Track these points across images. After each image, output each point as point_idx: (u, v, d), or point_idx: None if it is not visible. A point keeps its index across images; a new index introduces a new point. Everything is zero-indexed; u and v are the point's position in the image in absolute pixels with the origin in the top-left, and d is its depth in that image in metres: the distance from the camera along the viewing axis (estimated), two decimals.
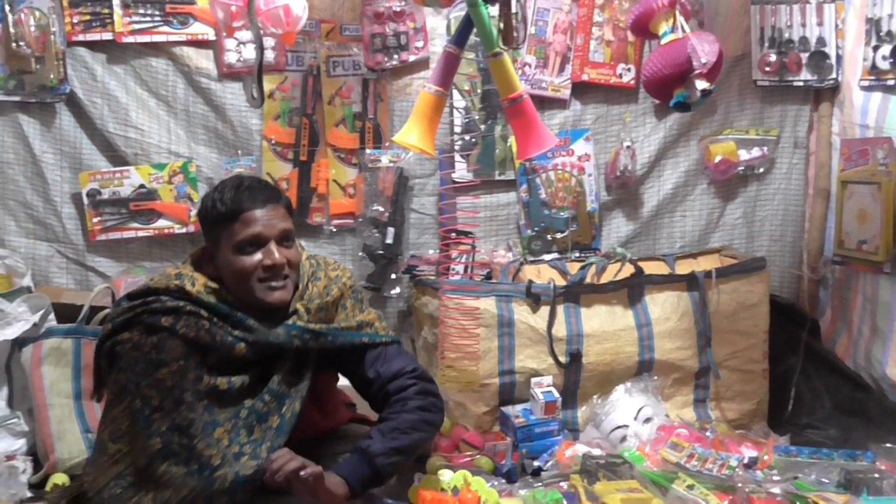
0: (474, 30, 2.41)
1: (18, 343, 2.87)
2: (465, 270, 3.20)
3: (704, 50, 2.55)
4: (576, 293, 3.03)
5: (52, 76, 3.08)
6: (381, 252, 3.30)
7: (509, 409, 2.93)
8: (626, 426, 2.83)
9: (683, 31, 2.64)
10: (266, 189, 2.06)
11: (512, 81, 2.39)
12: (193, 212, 3.21)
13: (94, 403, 2.73)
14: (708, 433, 2.83)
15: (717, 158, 3.34)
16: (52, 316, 2.93)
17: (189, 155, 3.27)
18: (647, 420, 2.85)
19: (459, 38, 2.46)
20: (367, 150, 3.30)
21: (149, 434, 1.88)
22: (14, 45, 3.01)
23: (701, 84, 2.59)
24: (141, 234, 3.25)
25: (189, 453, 1.88)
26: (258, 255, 2.01)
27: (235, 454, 1.91)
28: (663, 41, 2.67)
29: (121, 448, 1.93)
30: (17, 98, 3.11)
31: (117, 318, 1.98)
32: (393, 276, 3.34)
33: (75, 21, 3.11)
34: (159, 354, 1.91)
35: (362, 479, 1.96)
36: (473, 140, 3.28)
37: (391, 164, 3.27)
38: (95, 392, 2.06)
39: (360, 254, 3.31)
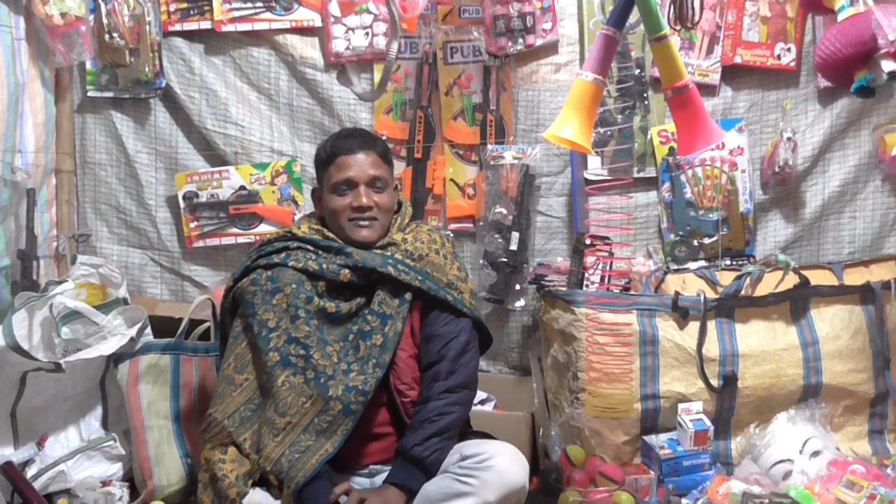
0: (634, 9, 2.44)
1: (114, 359, 2.91)
2: (602, 281, 3.14)
3: (892, 25, 2.45)
4: (730, 307, 2.98)
5: (146, 69, 3.19)
6: (504, 260, 3.28)
7: (653, 439, 2.90)
8: (789, 460, 2.78)
9: (865, 4, 2.55)
10: (362, 136, 2.42)
11: (678, 68, 2.39)
12: (298, 216, 3.26)
13: (194, 425, 2.83)
14: (889, 470, 2.77)
15: (895, 151, 3.23)
16: (148, 330, 2.98)
17: (293, 153, 3.32)
18: (815, 454, 2.79)
19: (618, 19, 2.48)
20: (489, 146, 3.26)
21: (268, 350, 2.22)
22: (107, 36, 3.13)
23: (889, 65, 2.50)
24: (241, 240, 3.30)
25: (306, 363, 2.21)
26: (349, 197, 2.35)
27: (345, 371, 2.22)
28: (840, 16, 2.58)
29: (247, 377, 2.26)
30: (110, 94, 3.24)
31: (237, 271, 2.38)
32: (517, 286, 3.31)
33: (172, 10, 3.24)
34: (275, 284, 2.29)
35: (413, 477, 2.18)
36: (609, 133, 3.27)
37: (515, 162, 3.25)
38: (220, 344, 2.40)
39: (481, 262, 3.28)
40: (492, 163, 3.27)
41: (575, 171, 3.23)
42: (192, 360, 2.90)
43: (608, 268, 3.15)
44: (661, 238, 3.36)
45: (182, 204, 3.28)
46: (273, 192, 3.30)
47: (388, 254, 2.36)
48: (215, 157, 3.33)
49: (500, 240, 3.29)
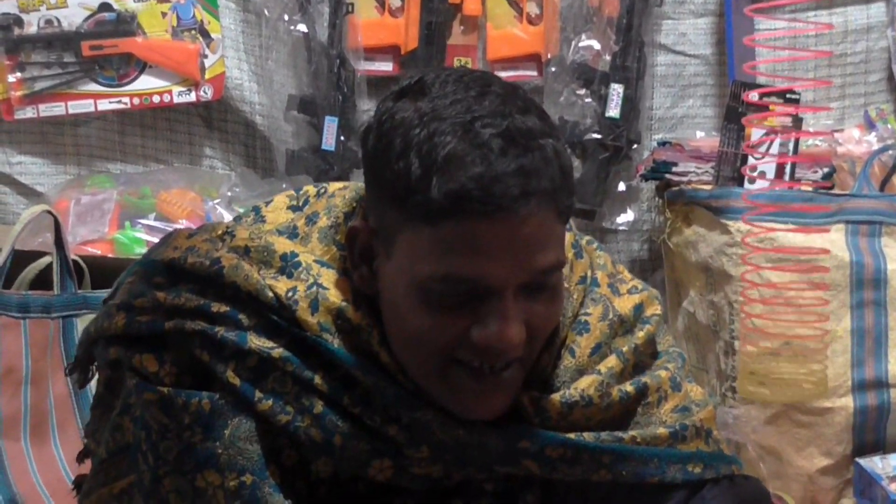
0: None
1: None
2: (780, 173, 2.85)
3: None
4: None
5: None
6: (595, 136, 3.03)
7: (875, 464, 2.68)
8: None
9: None
10: (541, 162, 1.42)
11: None
12: (211, 60, 3.00)
13: (24, 443, 2.58)
14: None
15: None
16: None
17: None
18: None
19: None
20: None
21: None
22: None
23: None
24: (105, 104, 2.99)
25: None
26: (464, 318, 1.47)
27: None
28: None
29: None
30: None
31: (131, 313, 1.62)
32: (621, 185, 3.06)
33: None
34: (206, 442, 1.56)
35: None
36: None
37: None
38: (95, 408, 1.81)
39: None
40: None
41: None
42: (19, 325, 2.57)
43: (792, 148, 2.87)
44: (892, 92, 3.15)
45: None
46: (164, 12, 2.94)
47: (528, 444, 1.60)
48: None
49: (588, 99, 3.04)
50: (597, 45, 3.02)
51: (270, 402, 1.53)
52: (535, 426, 1.57)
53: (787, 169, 2.86)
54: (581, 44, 3.01)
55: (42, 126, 3.05)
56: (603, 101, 3.02)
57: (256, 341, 1.52)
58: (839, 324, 2.64)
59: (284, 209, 1.67)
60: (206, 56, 3.00)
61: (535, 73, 3.08)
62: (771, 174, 2.83)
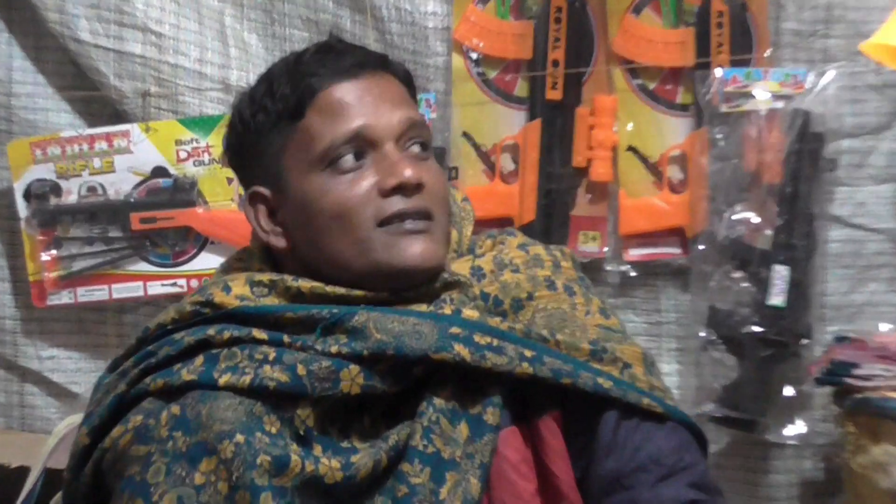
0: None
1: None
2: None
3: None
4: None
5: None
6: (755, 328, 2.81)
7: None
8: None
9: None
10: (352, 49, 1.95)
11: None
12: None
13: None
14: None
15: None
16: None
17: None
18: None
19: None
20: (717, 71, 2.78)
21: None
22: None
23: None
24: (157, 287, 2.83)
25: None
26: (369, 172, 1.83)
27: None
28: None
29: None
30: None
31: (99, 407, 1.83)
32: (789, 390, 2.82)
33: None
34: (192, 433, 1.72)
35: None
36: None
37: (778, 105, 2.78)
38: None
39: (702, 333, 2.87)
40: (724, 108, 2.81)
41: None
42: None
43: None
44: None
45: (22, 207, 2.81)
46: (229, 178, 2.79)
47: (450, 310, 1.83)
48: (98, 106, 2.87)
49: (744, 283, 2.86)
50: (755, 219, 2.81)
51: (228, 374, 1.72)
52: (466, 310, 1.86)
53: None
54: (735, 216, 2.80)
55: (80, 313, 2.86)
56: (763, 285, 2.78)
57: (190, 337, 1.75)
58: None
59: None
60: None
61: (678, 251, 2.89)
62: None
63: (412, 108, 1.92)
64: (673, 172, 2.83)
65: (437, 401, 1.80)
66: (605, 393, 1.82)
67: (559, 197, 2.86)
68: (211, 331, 1.78)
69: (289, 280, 1.85)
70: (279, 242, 1.89)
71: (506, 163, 2.86)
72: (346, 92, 1.86)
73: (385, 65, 1.93)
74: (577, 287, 2.01)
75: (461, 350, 1.77)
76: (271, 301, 1.86)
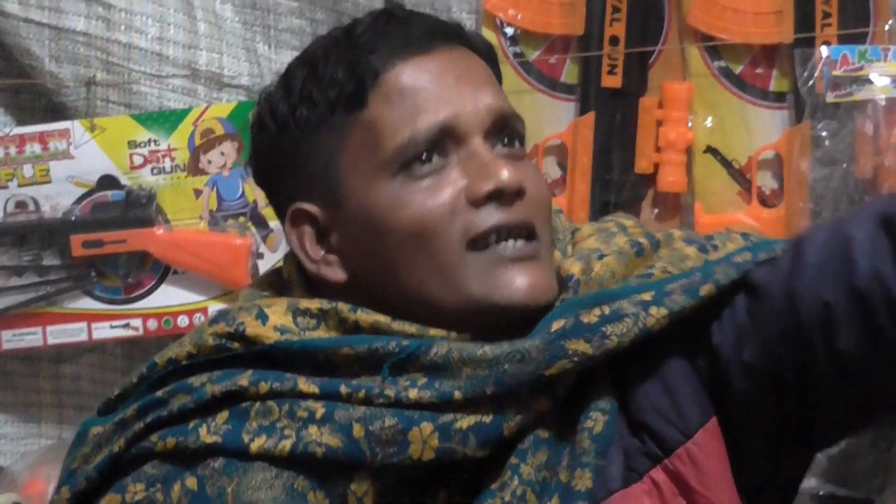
0: None
1: None
2: None
3: None
4: None
5: None
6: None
7: None
8: None
9: None
10: (425, 18, 1.64)
11: None
12: (269, 261, 2.66)
13: None
14: None
15: None
16: None
17: (251, 83, 2.75)
18: None
19: None
20: (821, 50, 2.64)
21: None
22: None
23: None
24: (104, 329, 2.65)
25: None
26: (453, 175, 1.54)
27: None
28: None
29: None
30: None
31: (86, 468, 1.49)
32: None
33: None
34: None
35: None
36: None
37: None
38: None
39: None
40: (831, 98, 2.71)
41: None
42: None
43: None
44: None
45: None
46: (197, 189, 2.63)
47: (561, 323, 1.45)
48: (29, 97, 2.74)
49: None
50: None
51: (263, 436, 1.48)
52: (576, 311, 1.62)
53: None
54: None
55: (6, 363, 2.63)
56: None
57: (214, 386, 1.47)
58: None
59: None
60: (260, 255, 2.58)
61: None
62: None
63: (500, 92, 1.59)
64: (764, 180, 2.67)
65: (525, 468, 1.48)
66: (746, 270, 1.55)
67: (620, 207, 2.61)
68: (243, 380, 1.47)
69: (345, 310, 1.53)
70: (334, 275, 1.56)
71: (550, 168, 2.64)
72: (421, 72, 1.56)
73: (462, 37, 1.62)
74: (651, 236, 1.78)
75: (577, 346, 1.47)
76: (319, 335, 1.54)
